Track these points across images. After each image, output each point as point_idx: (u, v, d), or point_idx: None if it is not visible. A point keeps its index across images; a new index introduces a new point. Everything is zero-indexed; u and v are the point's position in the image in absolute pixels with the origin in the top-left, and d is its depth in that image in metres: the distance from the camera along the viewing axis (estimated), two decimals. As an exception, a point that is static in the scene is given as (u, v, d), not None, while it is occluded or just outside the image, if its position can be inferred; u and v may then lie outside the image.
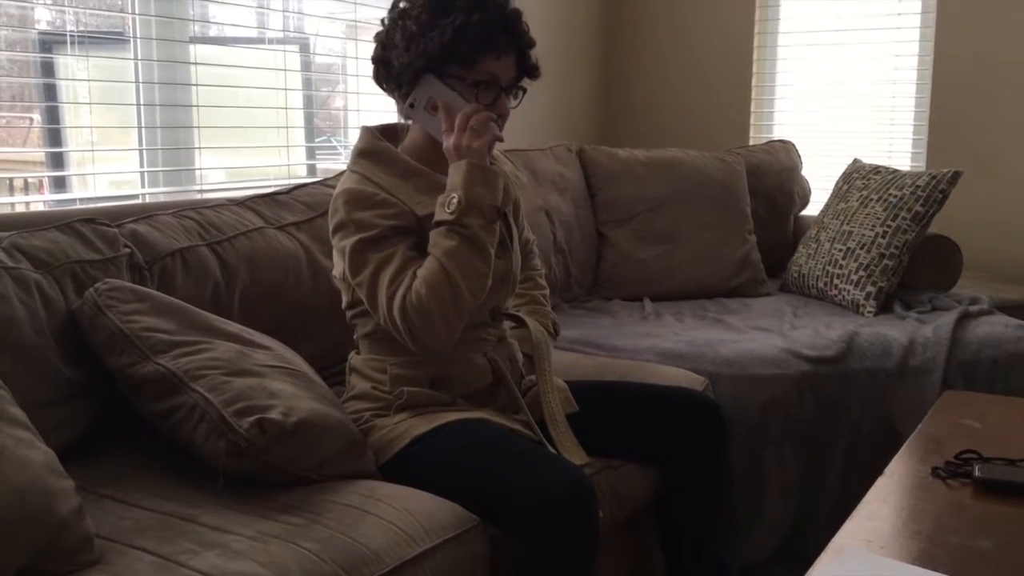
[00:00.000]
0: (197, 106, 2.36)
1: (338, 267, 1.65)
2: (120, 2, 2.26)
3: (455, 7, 1.58)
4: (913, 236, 2.56)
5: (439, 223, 1.55)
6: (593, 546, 1.40)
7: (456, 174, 1.55)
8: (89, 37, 2.15)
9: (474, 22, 1.56)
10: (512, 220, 1.78)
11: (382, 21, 1.68)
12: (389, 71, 1.66)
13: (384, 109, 2.96)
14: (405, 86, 1.64)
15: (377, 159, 1.66)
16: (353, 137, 2.92)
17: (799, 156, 3.31)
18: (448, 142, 1.59)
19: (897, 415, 2.19)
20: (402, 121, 1.74)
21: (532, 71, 1.67)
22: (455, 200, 1.53)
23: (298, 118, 2.72)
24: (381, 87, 1.71)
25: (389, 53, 1.65)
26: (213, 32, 2.53)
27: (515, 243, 1.77)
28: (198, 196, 2.35)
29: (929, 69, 3.38)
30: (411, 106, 1.63)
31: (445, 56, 1.59)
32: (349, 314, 1.73)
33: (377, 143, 1.68)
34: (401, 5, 1.64)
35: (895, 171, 2.72)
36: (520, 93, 1.68)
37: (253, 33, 2.61)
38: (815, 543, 1.20)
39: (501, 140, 1.60)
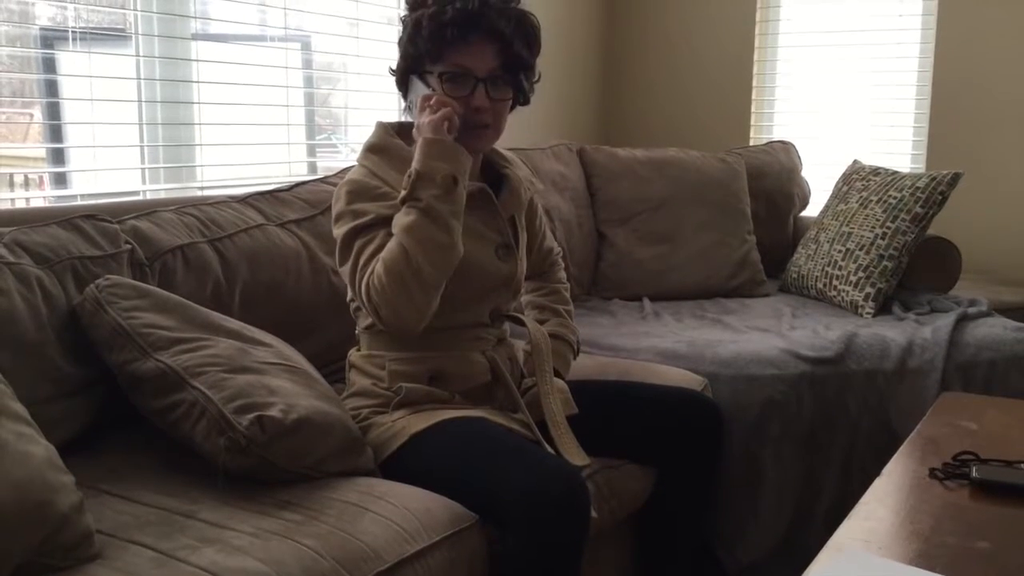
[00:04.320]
0: (198, 103, 2.36)
1: None
2: (122, -2, 2.26)
3: (423, 4, 1.61)
4: (912, 238, 2.56)
5: (401, 203, 1.55)
6: (582, 543, 1.40)
7: (416, 153, 1.56)
8: (90, 33, 2.15)
9: (429, 15, 1.59)
10: (520, 225, 1.78)
11: None
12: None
13: (383, 108, 2.97)
14: (401, 91, 1.69)
15: (385, 154, 1.67)
16: (353, 135, 2.95)
17: (799, 157, 3.31)
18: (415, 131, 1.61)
19: (895, 416, 2.20)
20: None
21: (517, 61, 1.63)
22: (408, 175, 1.54)
23: (299, 115, 2.72)
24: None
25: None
26: (214, 29, 2.53)
27: (521, 248, 1.77)
28: (199, 193, 2.36)
29: (929, 71, 3.38)
30: (408, 108, 1.67)
31: (416, 54, 1.62)
32: (352, 307, 1.73)
33: (388, 139, 1.68)
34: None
35: (895, 172, 2.72)
36: (501, 84, 1.62)
37: (255, 30, 2.61)
38: (813, 543, 1.20)
39: (454, 119, 1.56)
